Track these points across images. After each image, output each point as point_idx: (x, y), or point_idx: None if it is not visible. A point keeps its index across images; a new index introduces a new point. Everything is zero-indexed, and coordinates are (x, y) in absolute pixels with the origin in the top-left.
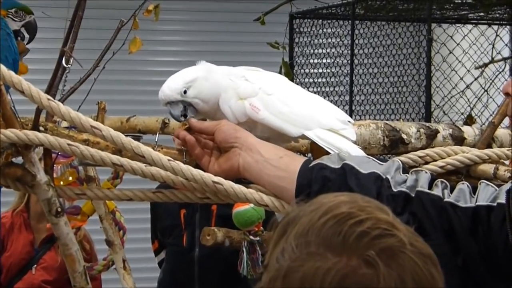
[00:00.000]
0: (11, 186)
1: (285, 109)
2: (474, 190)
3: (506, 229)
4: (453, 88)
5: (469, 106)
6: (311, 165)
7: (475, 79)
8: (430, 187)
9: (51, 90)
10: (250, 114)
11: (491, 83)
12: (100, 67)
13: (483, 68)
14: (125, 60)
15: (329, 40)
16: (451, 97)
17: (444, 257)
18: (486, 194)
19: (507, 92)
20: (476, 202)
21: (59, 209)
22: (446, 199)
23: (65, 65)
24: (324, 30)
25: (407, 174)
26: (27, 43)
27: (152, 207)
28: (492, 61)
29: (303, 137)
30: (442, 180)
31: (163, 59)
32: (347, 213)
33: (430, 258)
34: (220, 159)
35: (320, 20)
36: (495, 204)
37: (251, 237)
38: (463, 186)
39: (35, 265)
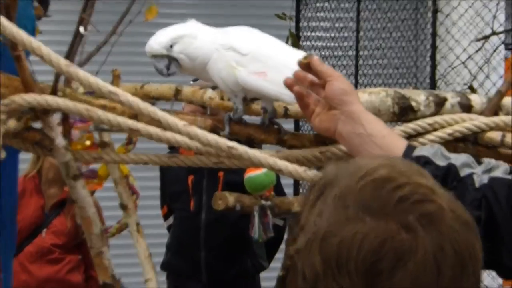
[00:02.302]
0: (30, 150)
1: (278, 77)
2: None
3: None
4: (457, 58)
5: (471, 76)
6: (415, 155)
7: (477, 50)
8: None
9: (69, 56)
10: (243, 83)
11: (492, 55)
12: (115, 39)
13: (484, 40)
14: (137, 33)
15: (335, 14)
16: (453, 67)
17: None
18: None
19: None
20: None
21: (77, 173)
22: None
23: (82, 32)
24: (331, 2)
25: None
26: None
27: (162, 174)
28: (493, 33)
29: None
30: None
31: None
32: (387, 177)
33: (470, 225)
34: (323, 115)
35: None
36: None
37: (263, 201)
38: None
39: (45, 229)
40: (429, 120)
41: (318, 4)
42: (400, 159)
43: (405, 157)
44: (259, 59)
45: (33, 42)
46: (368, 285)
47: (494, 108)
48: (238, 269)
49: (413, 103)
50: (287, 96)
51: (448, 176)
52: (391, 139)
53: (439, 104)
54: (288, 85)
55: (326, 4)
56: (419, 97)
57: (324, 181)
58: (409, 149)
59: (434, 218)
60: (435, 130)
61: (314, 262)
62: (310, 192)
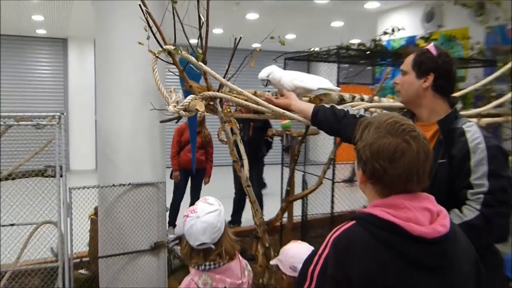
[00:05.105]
0: (209, 112)
1: (310, 82)
2: None
3: None
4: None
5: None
6: (317, 107)
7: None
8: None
9: (224, 77)
10: (296, 85)
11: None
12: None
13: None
14: (247, 71)
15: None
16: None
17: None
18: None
19: (395, 82)
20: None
21: (225, 120)
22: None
23: (227, 68)
24: (298, 67)
25: (356, 111)
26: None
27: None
28: (352, 83)
29: (317, 90)
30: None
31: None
32: (395, 120)
33: (427, 139)
34: (280, 100)
35: (295, 61)
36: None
37: (287, 132)
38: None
39: None
40: (351, 103)
41: (293, 67)
42: (398, 114)
43: (314, 107)
44: (300, 76)
45: (212, 71)
46: (390, 163)
47: (372, 100)
48: (259, 154)
49: (344, 97)
50: (312, 88)
51: (333, 110)
52: (308, 104)
53: (354, 98)
54: (266, 100)
55: (295, 67)
56: (346, 95)
57: (366, 122)
58: (316, 106)
59: (416, 137)
60: (353, 107)
61: (366, 154)
62: (359, 127)
